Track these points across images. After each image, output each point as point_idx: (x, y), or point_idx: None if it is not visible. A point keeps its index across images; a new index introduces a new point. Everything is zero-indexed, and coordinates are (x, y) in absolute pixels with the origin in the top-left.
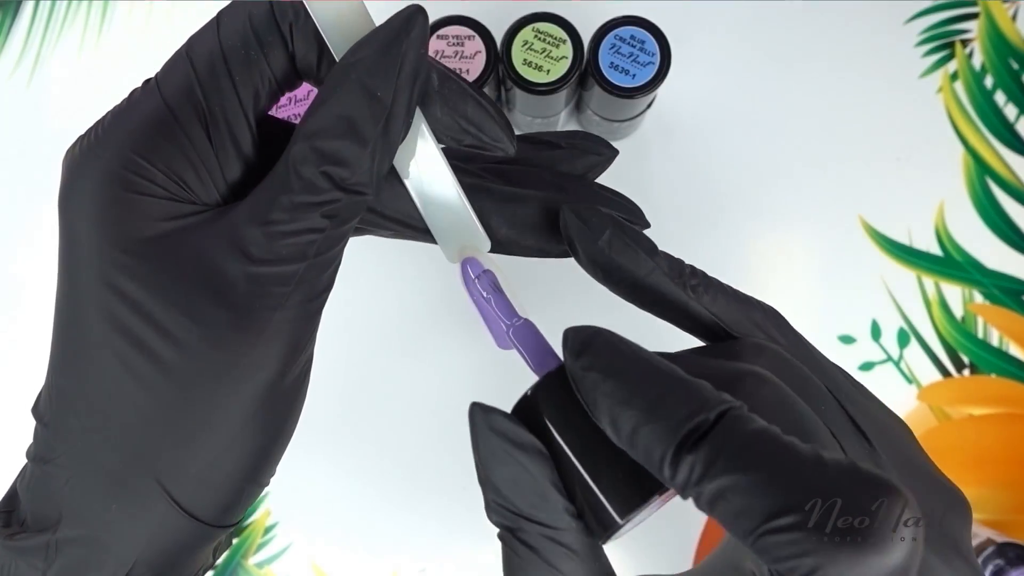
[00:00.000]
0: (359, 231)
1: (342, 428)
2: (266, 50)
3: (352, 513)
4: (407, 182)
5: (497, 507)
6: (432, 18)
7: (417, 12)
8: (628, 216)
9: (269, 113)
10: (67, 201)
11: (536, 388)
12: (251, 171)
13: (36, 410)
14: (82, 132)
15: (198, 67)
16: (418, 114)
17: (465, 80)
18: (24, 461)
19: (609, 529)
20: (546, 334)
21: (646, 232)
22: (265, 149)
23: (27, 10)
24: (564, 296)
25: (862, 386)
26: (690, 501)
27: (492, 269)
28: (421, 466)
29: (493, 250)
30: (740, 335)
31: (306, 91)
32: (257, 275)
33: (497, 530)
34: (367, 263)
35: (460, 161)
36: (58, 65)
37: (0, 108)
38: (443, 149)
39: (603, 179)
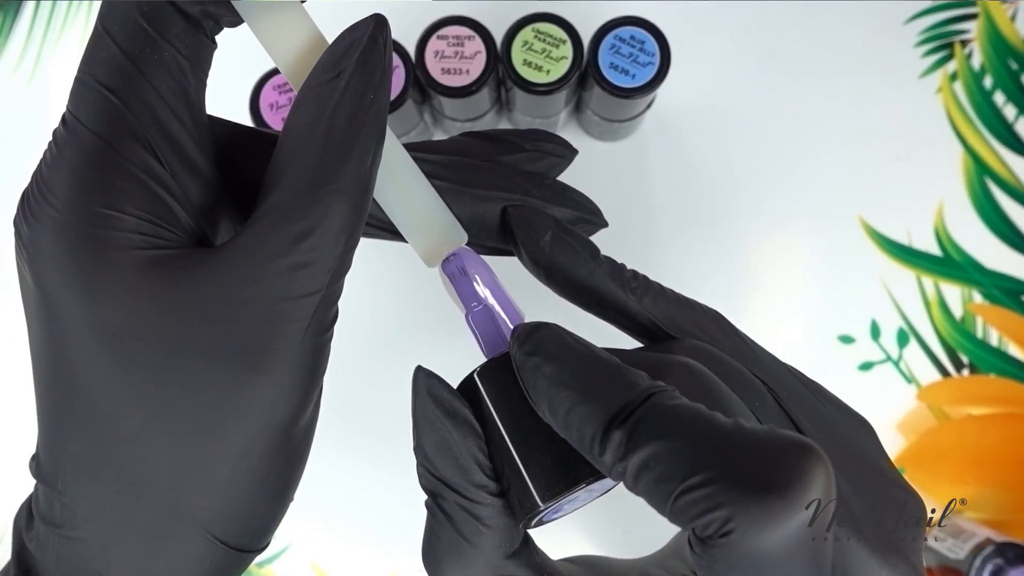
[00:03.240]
0: None
1: (342, 428)
2: (166, 33)
3: (352, 513)
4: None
5: (423, 471)
6: (432, 18)
7: (381, 18)
8: (587, 215)
9: (214, 116)
10: (36, 275)
11: (482, 370)
12: (211, 183)
13: (40, 474)
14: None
15: (113, 86)
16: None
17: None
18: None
19: (529, 512)
20: None
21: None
22: (221, 157)
23: (27, 10)
24: (547, 292)
25: (817, 385)
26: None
27: (474, 262)
28: None
29: None
30: (680, 336)
31: None
32: (271, 314)
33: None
34: (365, 261)
35: (417, 155)
36: (58, 65)
37: (0, 108)
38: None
39: (602, 178)
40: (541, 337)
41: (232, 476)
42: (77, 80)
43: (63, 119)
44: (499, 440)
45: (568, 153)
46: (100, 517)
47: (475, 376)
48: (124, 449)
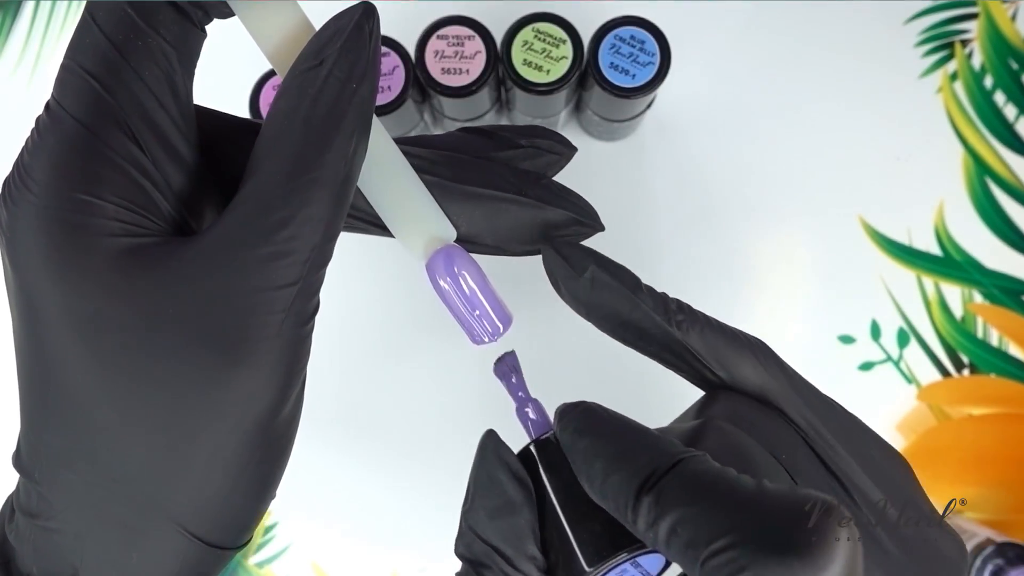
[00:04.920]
0: None
1: (342, 428)
2: (152, 22)
3: (352, 513)
4: (360, 183)
5: (471, 535)
6: (432, 18)
7: (370, 6)
8: (582, 218)
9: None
10: (14, 261)
11: (535, 445)
12: (195, 173)
13: (20, 464)
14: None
15: (96, 73)
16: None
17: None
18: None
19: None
20: (531, 338)
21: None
22: (205, 146)
23: (27, 10)
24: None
25: (856, 419)
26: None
27: (463, 260)
28: (421, 466)
29: None
30: (724, 372)
31: None
32: (247, 306)
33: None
34: (363, 260)
35: (409, 149)
36: (58, 65)
37: (0, 108)
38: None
39: (603, 178)
40: (576, 414)
41: (208, 470)
42: (62, 66)
43: (47, 105)
44: (550, 511)
45: (566, 151)
46: (75, 508)
47: (529, 451)
48: (99, 440)
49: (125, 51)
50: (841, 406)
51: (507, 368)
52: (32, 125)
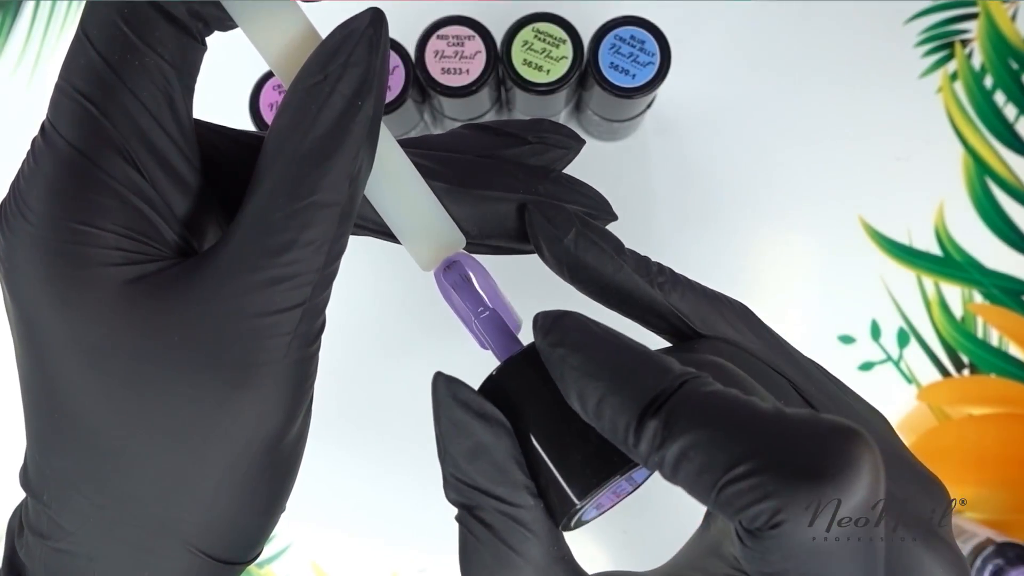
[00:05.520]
0: None
1: (342, 428)
2: (149, 40)
3: (352, 514)
4: (367, 193)
5: (455, 481)
6: (432, 18)
7: (379, 12)
8: (595, 209)
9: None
10: (13, 291)
11: (500, 370)
12: (197, 193)
13: (28, 486)
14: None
15: (91, 95)
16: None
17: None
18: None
19: (568, 511)
20: (528, 330)
21: (613, 225)
22: (206, 164)
23: (27, 10)
24: (547, 293)
25: (839, 381)
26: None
27: (471, 266)
28: (422, 466)
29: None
30: (708, 332)
31: None
32: (253, 329)
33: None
34: (363, 260)
35: (414, 152)
36: (58, 65)
37: (0, 108)
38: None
39: (603, 178)
40: (565, 326)
41: (217, 491)
42: (56, 87)
43: (42, 127)
44: (527, 441)
45: (574, 144)
46: (85, 530)
47: (494, 377)
48: (107, 463)
49: (120, 71)
50: (824, 368)
51: (458, 277)
52: (32, 126)
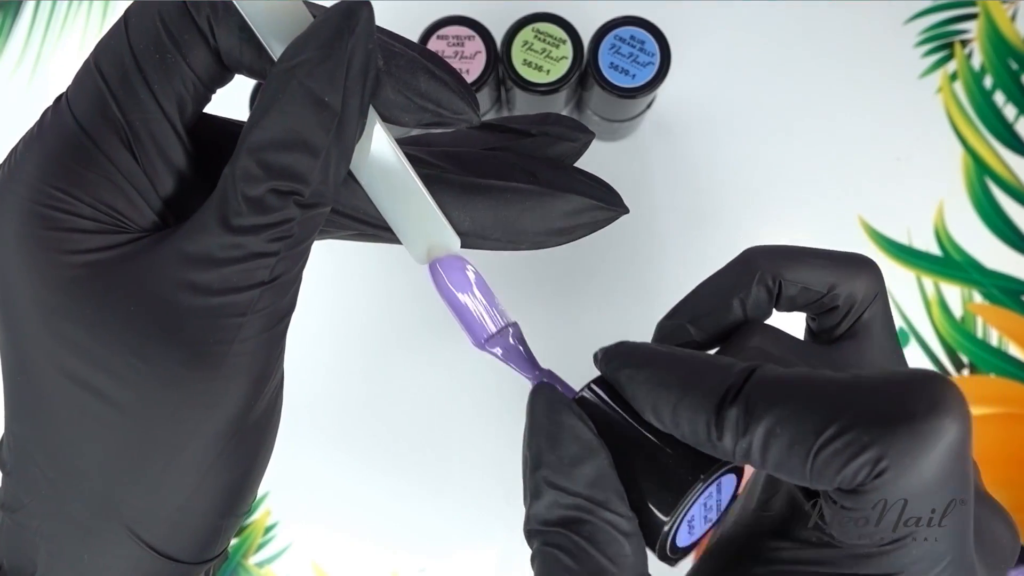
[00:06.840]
0: (319, 234)
1: (342, 428)
2: (184, 50)
3: (352, 513)
4: (361, 181)
5: (555, 493)
6: (432, 18)
7: (360, 5)
8: (606, 200)
9: (205, 111)
10: None
11: (578, 399)
12: (189, 184)
13: (0, 456)
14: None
15: (109, 78)
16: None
17: (414, 46)
18: None
19: (658, 532)
20: (529, 330)
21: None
22: (205, 155)
23: (27, 10)
24: (547, 293)
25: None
26: None
27: (468, 267)
28: (421, 466)
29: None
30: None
31: None
32: (207, 307)
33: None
34: (363, 260)
35: (416, 147)
36: (58, 65)
37: (0, 108)
38: (400, 135)
39: (603, 178)
40: (625, 350)
41: (164, 473)
42: (85, 62)
43: (57, 98)
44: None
45: (582, 136)
46: (36, 503)
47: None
48: (60, 434)
49: (145, 65)
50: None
51: (516, 339)
52: (32, 125)
